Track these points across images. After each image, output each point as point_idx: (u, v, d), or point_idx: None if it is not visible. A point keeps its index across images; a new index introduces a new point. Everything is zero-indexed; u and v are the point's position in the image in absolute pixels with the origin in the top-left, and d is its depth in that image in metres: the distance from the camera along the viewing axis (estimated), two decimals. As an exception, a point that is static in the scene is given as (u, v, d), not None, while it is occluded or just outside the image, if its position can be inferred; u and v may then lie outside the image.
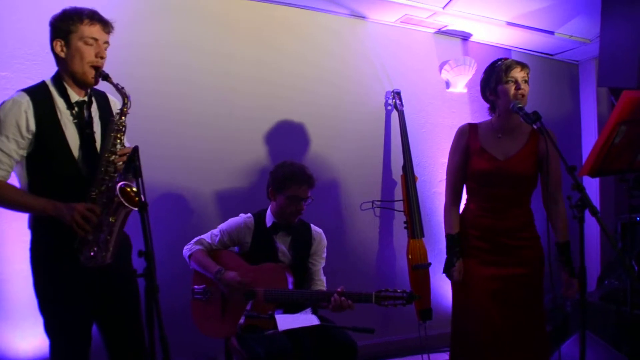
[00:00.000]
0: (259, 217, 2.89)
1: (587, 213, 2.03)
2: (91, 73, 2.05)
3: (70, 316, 2.02)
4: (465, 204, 2.71)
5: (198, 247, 2.81)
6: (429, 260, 3.65)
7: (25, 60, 2.95)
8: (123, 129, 2.08)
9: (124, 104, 2.08)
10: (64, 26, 2.01)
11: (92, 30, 2.03)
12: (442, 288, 4.03)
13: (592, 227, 4.38)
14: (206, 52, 3.46)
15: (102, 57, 2.06)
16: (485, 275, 2.54)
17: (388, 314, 3.89)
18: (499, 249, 2.54)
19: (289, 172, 2.78)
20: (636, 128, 2.28)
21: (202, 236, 2.86)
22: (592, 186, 4.61)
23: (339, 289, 2.58)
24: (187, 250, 2.83)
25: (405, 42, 4.14)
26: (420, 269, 3.59)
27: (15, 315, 2.87)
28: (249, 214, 2.90)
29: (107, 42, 2.10)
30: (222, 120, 3.49)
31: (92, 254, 1.95)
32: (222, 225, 2.88)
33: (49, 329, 2.05)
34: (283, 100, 3.69)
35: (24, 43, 2.95)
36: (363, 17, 3.96)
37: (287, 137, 3.70)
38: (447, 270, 2.63)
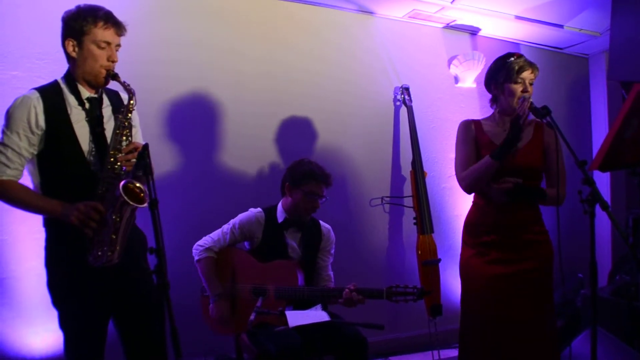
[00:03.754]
0: (270, 212, 2.89)
1: (598, 208, 2.02)
2: (102, 74, 2.04)
3: (84, 312, 2.03)
4: (474, 201, 2.70)
5: (207, 255, 2.79)
6: (439, 256, 3.65)
7: (35, 59, 2.98)
8: (129, 126, 2.06)
9: (130, 101, 2.07)
10: (78, 26, 1.99)
11: (106, 34, 2.01)
12: (452, 284, 4.03)
13: (603, 222, 4.35)
14: (215, 49, 3.47)
15: (113, 61, 2.06)
16: (494, 274, 2.51)
17: (398, 310, 3.89)
18: (508, 243, 2.52)
19: (308, 169, 2.81)
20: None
21: (213, 237, 2.84)
22: (602, 181, 4.58)
23: (351, 286, 2.59)
24: (196, 253, 2.82)
25: (414, 37, 4.13)
26: (430, 265, 3.59)
27: (28, 312, 2.90)
28: (259, 209, 2.91)
29: (119, 45, 2.09)
30: (232, 117, 3.51)
31: (99, 253, 1.94)
32: (233, 220, 2.88)
33: (63, 324, 2.06)
34: (291, 96, 3.69)
35: (34, 42, 2.97)
36: (371, 13, 3.95)
37: (296, 133, 3.71)
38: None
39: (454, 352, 3.79)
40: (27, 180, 2.05)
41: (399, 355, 3.87)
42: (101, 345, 2.10)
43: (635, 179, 3.13)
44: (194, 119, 3.39)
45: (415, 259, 3.68)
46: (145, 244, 2.25)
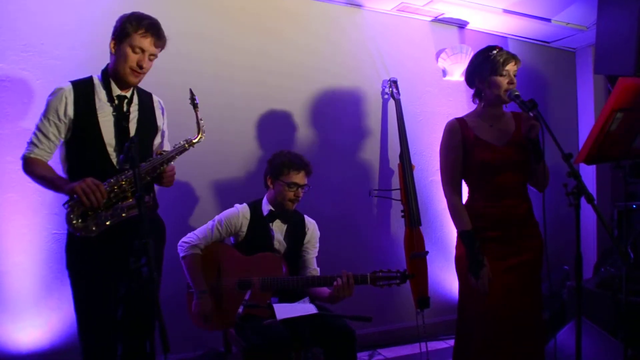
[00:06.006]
0: (255, 206, 2.89)
1: (583, 200, 2.04)
2: (131, 75, 2.21)
3: (95, 275, 2.15)
4: (470, 198, 2.67)
5: (192, 252, 2.76)
6: (427, 249, 3.66)
7: (20, 51, 2.94)
8: (183, 151, 2.34)
9: (199, 138, 2.36)
10: (123, 28, 2.18)
11: (142, 42, 2.19)
12: (440, 276, 4.06)
13: (588, 215, 4.40)
14: (205, 40, 3.45)
15: (141, 67, 2.22)
16: (498, 269, 2.48)
17: (386, 302, 3.92)
18: (508, 238, 2.51)
19: (287, 159, 2.81)
20: (632, 115, 2.28)
21: (198, 234, 2.81)
22: (588, 173, 4.63)
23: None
24: (181, 250, 2.79)
25: (402, 30, 4.13)
26: (417, 258, 3.61)
27: (15, 307, 2.87)
28: (244, 204, 2.91)
29: (154, 55, 2.27)
30: (221, 110, 3.49)
31: (83, 223, 2.05)
32: (218, 217, 2.86)
33: (75, 285, 2.19)
34: (280, 89, 3.68)
35: (18, 34, 2.93)
36: (359, 6, 3.95)
37: (284, 125, 3.70)
38: (475, 271, 2.44)
39: (441, 344, 3.84)
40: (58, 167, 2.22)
41: (387, 347, 3.89)
42: (111, 312, 2.18)
43: (620, 172, 3.16)
44: (183, 111, 3.36)
45: (403, 251, 3.69)
46: (163, 235, 2.48)
